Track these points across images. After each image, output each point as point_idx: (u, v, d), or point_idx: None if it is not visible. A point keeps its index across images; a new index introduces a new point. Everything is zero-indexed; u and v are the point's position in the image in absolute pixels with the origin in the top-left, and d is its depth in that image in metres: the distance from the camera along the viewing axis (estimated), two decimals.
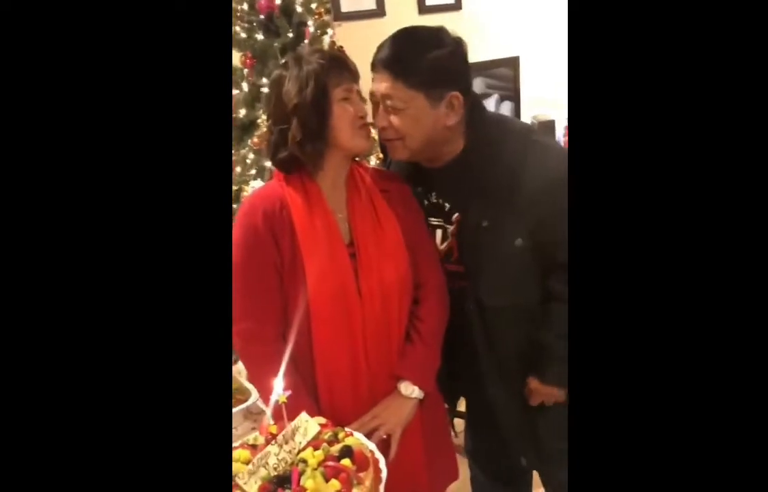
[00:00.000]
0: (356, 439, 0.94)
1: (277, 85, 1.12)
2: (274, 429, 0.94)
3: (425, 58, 1.10)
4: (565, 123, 3.04)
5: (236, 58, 1.84)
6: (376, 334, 1.13)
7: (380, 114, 1.14)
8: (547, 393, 1.24)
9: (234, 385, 1.33)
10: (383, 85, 1.11)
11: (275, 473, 0.86)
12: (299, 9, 1.80)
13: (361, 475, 0.86)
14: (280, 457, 0.88)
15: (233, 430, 1.23)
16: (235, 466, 0.88)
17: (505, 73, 3.04)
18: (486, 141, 1.17)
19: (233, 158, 1.76)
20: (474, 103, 1.20)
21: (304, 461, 0.87)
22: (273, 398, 0.91)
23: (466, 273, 1.23)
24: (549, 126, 2.91)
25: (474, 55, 1.18)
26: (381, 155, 2.09)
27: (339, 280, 1.09)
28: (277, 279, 1.09)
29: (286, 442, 0.89)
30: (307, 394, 1.10)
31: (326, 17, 1.93)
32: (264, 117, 1.63)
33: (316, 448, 0.90)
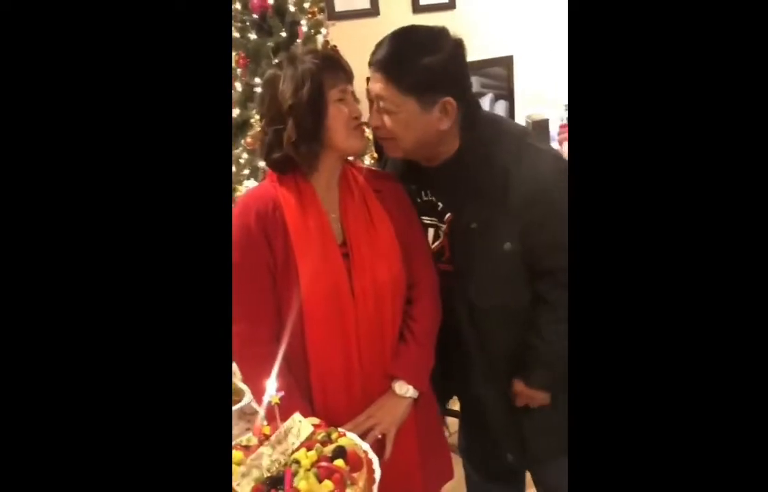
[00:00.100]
0: (350, 439, 0.94)
1: (271, 85, 1.11)
2: (267, 430, 0.94)
3: (419, 63, 1.09)
4: (559, 121, 3.05)
5: None
6: (370, 334, 1.13)
7: (374, 113, 1.15)
8: (531, 396, 1.25)
9: None
10: (377, 86, 1.11)
11: (268, 474, 0.86)
12: (292, 8, 1.80)
13: (355, 475, 0.86)
14: (273, 458, 0.87)
15: None
16: None
17: (499, 72, 3.04)
18: (480, 142, 1.17)
19: None
20: (470, 104, 1.20)
21: (298, 462, 0.87)
22: (265, 399, 0.90)
23: (456, 272, 1.23)
24: (543, 125, 2.92)
25: (468, 54, 1.18)
26: (375, 155, 2.09)
27: (332, 281, 1.09)
28: (271, 280, 1.09)
29: (279, 443, 0.89)
30: (301, 395, 1.10)
31: (320, 16, 1.93)
32: (257, 117, 1.63)
33: (309, 449, 0.89)
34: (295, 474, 0.85)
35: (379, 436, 1.12)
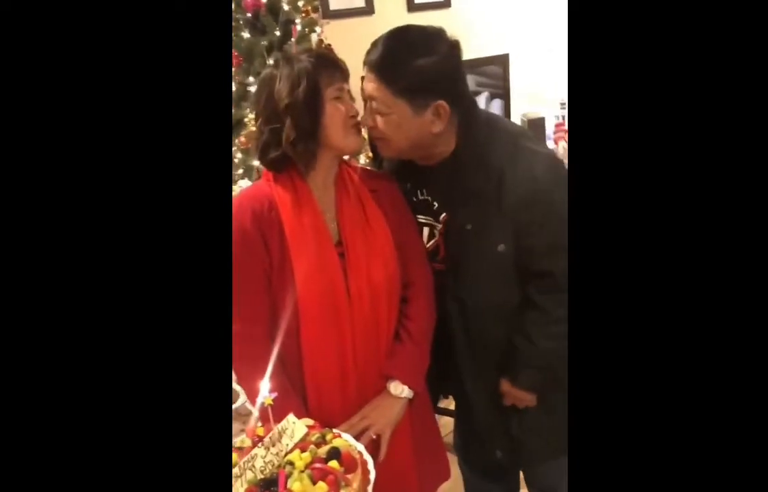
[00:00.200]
0: (344, 440, 0.93)
1: (268, 84, 1.11)
2: (261, 431, 0.93)
3: (412, 66, 1.08)
4: (555, 120, 3.05)
5: None
6: (365, 334, 1.12)
7: (367, 113, 1.14)
8: (517, 396, 1.26)
9: None
10: (370, 86, 1.11)
11: (262, 476, 0.85)
12: (286, 6, 1.79)
13: (349, 476, 0.85)
14: (266, 460, 0.87)
15: None
16: None
17: (495, 71, 3.04)
18: (476, 143, 1.17)
19: None
20: (466, 105, 1.19)
21: (291, 463, 0.86)
22: (259, 400, 0.90)
23: (449, 271, 1.23)
24: (539, 123, 2.92)
25: (463, 53, 1.17)
26: (371, 154, 2.09)
27: (328, 280, 1.09)
28: (266, 280, 1.09)
29: (273, 445, 0.88)
30: (295, 395, 1.10)
31: (314, 15, 1.92)
32: (251, 116, 1.62)
33: (303, 450, 0.89)
34: (288, 476, 0.84)
35: (374, 437, 1.12)
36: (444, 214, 1.24)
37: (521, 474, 1.50)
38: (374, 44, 1.13)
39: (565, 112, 3.05)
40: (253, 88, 1.67)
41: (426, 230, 1.27)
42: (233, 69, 1.76)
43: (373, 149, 1.32)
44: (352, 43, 1.27)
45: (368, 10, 2.62)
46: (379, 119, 1.12)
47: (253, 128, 1.57)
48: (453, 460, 1.42)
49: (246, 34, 1.78)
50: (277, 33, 1.78)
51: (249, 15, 1.79)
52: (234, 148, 1.74)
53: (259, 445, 0.88)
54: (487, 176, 1.14)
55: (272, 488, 0.83)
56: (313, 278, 1.08)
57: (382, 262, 1.14)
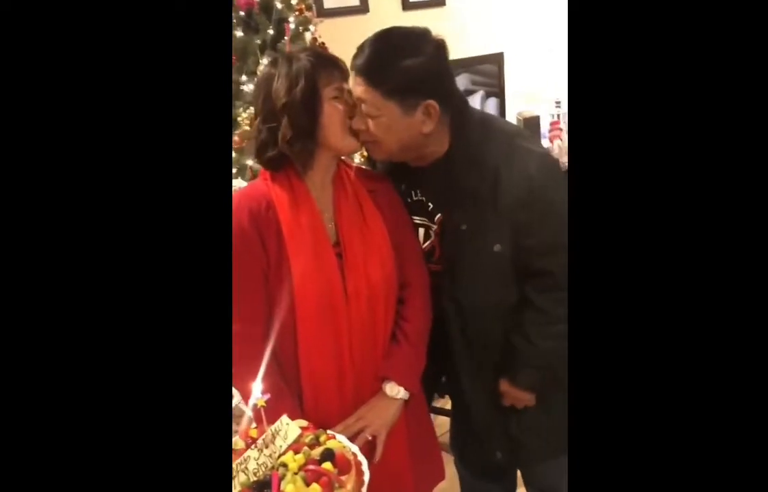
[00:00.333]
0: (338, 441, 0.93)
1: (266, 82, 1.10)
2: (254, 433, 0.93)
3: (399, 67, 1.08)
4: (550, 118, 3.05)
5: None
6: (362, 334, 1.12)
7: (357, 116, 1.14)
8: (516, 396, 1.25)
9: None
10: (359, 89, 1.11)
11: (255, 478, 0.85)
12: (279, 5, 1.78)
13: (343, 478, 0.85)
14: (260, 462, 0.86)
15: None
16: None
17: (490, 70, 3.04)
18: (470, 143, 1.17)
19: None
20: (458, 104, 1.19)
21: (285, 465, 0.86)
22: (251, 402, 0.89)
23: (445, 272, 1.23)
24: (534, 122, 2.92)
25: (458, 52, 1.17)
26: (365, 153, 2.08)
27: (325, 280, 1.08)
28: (263, 279, 1.08)
29: (267, 446, 0.87)
30: (290, 395, 1.09)
31: (308, 13, 1.91)
32: (245, 115, 1.61)
33: (296, 452, 0.88)
34: (282, 478, 0.83)
35: (370, 438, 1.11)
36: (439, 215, 1.23)
37: (519, 473, 1.50)
38: (360, 48, 1.12)
39: (560, 111, 3.05)
40: (245, 87, 1.66)
41: (421, 231, 1.27)
42: None
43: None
44: (346, 41, 1.26)
45: (363, 8, 2.61)
46: (369, 122, 1.12)
47: (246, 127, 1.57)
48: (448, 460, 1.41)
49: (239, 33, 1.77)
50: (271, 31, 1.77)
51: (242, 13, 1.78)
52: None
53: (252, 446, 0.87)
54: (481, 176, 1.14)
55: (265, 490, 0.82)
56: (310, 278, 1.07)
57: (379, 262, 1.13)
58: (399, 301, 1.19)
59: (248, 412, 0.93)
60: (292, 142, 1.07)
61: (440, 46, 1.13)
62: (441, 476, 1.32)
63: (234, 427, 1.25)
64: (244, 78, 1.67)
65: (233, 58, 1.73)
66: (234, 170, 1.69)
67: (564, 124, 3.03)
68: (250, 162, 1.58)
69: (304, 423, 0.96)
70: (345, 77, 1.13)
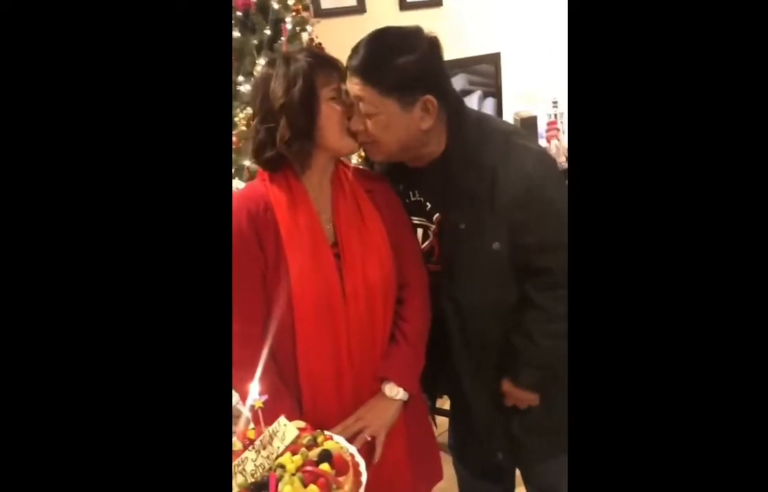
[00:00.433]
0: (336, 442, 0.93)
1: (264, 83, 1.10)
2: (252, 434, 0.92)
3: (395, 64, 1.08)
4: (547, 118, 3.05)
5: None
6: (361, 335, 1.12)
7: (355, 117, 1.13)
8: (518, 396, 1.25)
9: None
10: (356, 88, 1.11)
11: (252, 480, 0.84)
12: (276, 5, 1.78)
13: (341, 479, 0.85)
14: (257, 463, 0.86)
15: None
16: None
17: (487, 70, 3.04)
18: (466, 142, 1.17)
19: None
20: (454, 103, 1.19)
21: (282, 467, 0.85)
22: (248, 403, 0.89)
23: (444, 272, 1.23)
24: (531, 122, 2.92)
25: (455, 52, 1.17)
26: (363, 153, 2.08)
27: (323, 281, 1.08)
28: (262, 281, 1.08)
29: (264, 448, 0.87)
30: (288, 396, 1.09)
31: (305, 14, 1.91)
32: (241, 115, 1.61)
33: (294, 453, 0.88)
34: (279, 479, 0.83)
35: (369, 439, 1.11)
36: (437, 215, 1.23)
37: (517, 472, 1.50)
38: (355, 50, 1.12)
39: (557, 111, 3.05)
40: (242, 88, 1.65)
41: (420, 231, 1.27)
42: None
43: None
44: (343, 42, 1.26)
45: (360, 8, 2.61)
46: (367, 122, 1.12)
47: (243, 127, 1.56)
48: (446, 460, 1.41)
49: (236, 33, 1.76)
50: (267, 32, 1.76)
51: (239, 13, 1.77)
52: None
53: (250, 448, 0.87)
54: (479, 175, 1.14)
55: None
56: (308, 278, 1.07)
57: (377, 262, 1.13)
58: (398, 301, 1.19)
59: (246, 413, 0.93)
60: (290, 143, 1.07)
61: (434, 44, 1.14)
62: (439, 476, 1.32)
63: (232, 428, 1.25)
64: (240, 78, 1.67)
65: None
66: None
67: (561, 124, 3.04)
68: (247, 162, 1.58)
69: (301, 424, 0.96)
70: (343, 78, 1.13)
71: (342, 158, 1.22)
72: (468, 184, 1.15)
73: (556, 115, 3.05)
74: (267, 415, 0.91)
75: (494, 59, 3.03)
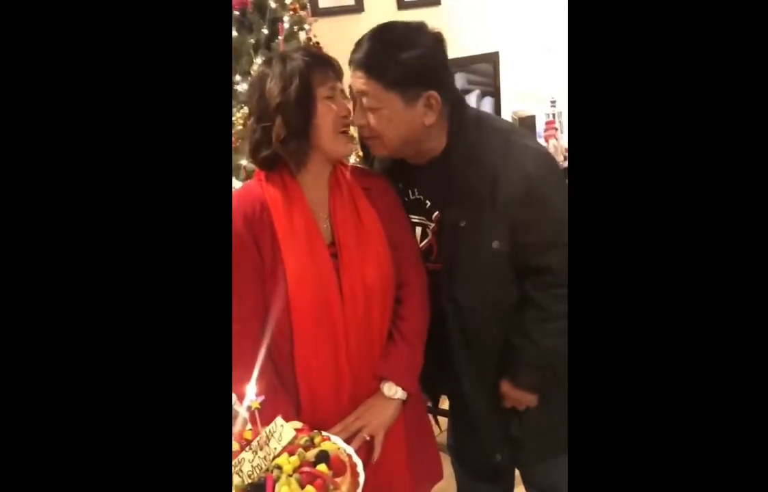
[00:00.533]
0: (333, 443, 0.92)
1: (260, 82, 1.10)
2: (249, 434, 0.92)
3: (400, 58, 1.08)
4: (546, 118, 3.05)
5: None
6: (359, 335, 1.11)
7: (358, 111, 1.13)
8: (517, 397, 1.25)
9: None
10: (359, 83, 1.10)
11: (249, 481, 0.84)
12: (273, 4, 1.77)
13: (338, 480, 0.84)
14: (254, 464, 0.85)
15: None
16: None
17: (486, 69, 3.03)
18: (466, 140, 1.16)
19: None
20: (456, 100, 1.18)
21: (279, 467, 0.85)
22: (245, 404, 0.88)
23: (443, 271, 1.22)
24: (529, 121, 2.92)
25: (453, 51, 1.17)
26: (361, 153, 2.07)
27: (320, 281, 1.08)
28: (259, 282, 1.08)
29: (261, 448, 0.86)
30: (285, 396, 1.09)
31: (302, 13, 1.90)
32: (238, 115, 1.61)
33: (291, 454, 0.87)
34: (276, 480, 0.83)
35: (368, 438, 1.11)
36: (436, 213, 1.22)
37: (517, 473, 1.49)
38: (359, 44, 1.12)
39: (556, 110, 3.05)
40: (239, 87, 1.65)
41: (419, 230, 1.26)
42: None
43: (364, 149, 1.31)
44: (341, 41, 1.26)
45: (358, 8, 2.60)
46: (370, 116, 1.11)
47: (240, 126, 1.56)
48: (446, 460, 1.41)
49: (233, 32, 1.75)
50: (265, 31, 1.76)
51: (236, 12, 1.77)
52: None
53: (247, 448, 0.86)
54: (480, 173, 1.13)
55: None
56: (304, 279, 1.07)
57: (375, 261, 1.13)
58: (396, 300, 1.18)
59: (243, 414, 0.92)
60: (286, 142, 1.07)
61: (438, 40, 1.14)
62: (439, 476, 1.31)
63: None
64: (237, 78, 1.67)
65: None
66: None
67: (559, 124, 3.04)
68: (244, 162, 1.57)
69: (298, 424, 0.96)
70: (339, 77, 1.13)
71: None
72: (468, 182, 1.15)
73: (554, 115, 3.05)
74: (264, 415, 0.90)
75: (492, 58, 3.03)
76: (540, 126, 3.04)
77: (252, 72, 1.63)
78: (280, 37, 1.75)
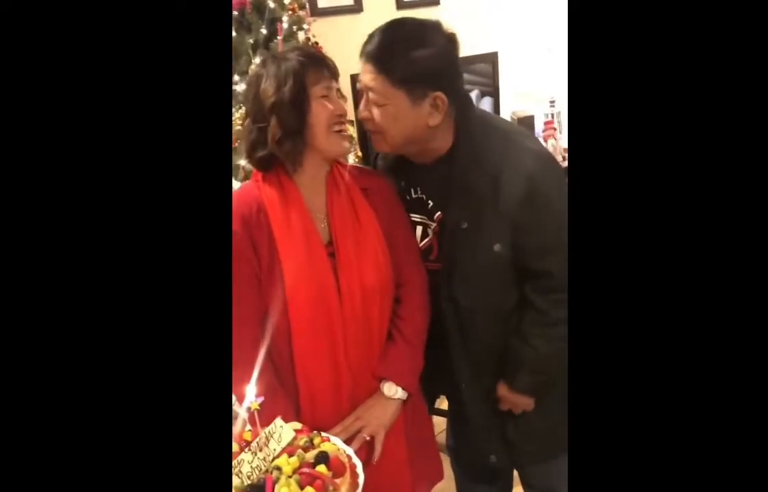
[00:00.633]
0: (333, 444, 0.92)
1: (255, 82, 1.10)
2: (248, 436, 0.92)
3: (410, 56, 1.07)
4: (544, 118, 3.05)
5: None
6: (357, 335, 1.11)
7: (363, 104, 1.13)
8: (513, 401, 1.24)
9: None
10: (367, 77, 1.10)
11: (249, 482, 0.84)
12: (272, 4, 1.77)
13: (338, 481, 0.84)
14: (254, 465, 0.85)
15: None
16: None
17: (484, 69, 3.03)
18: (473, 142, 1.16)
19: None
20: (463, 102, 1.18)
21: (279, 468, 0.85)
22: (245, 405, 0.88)
23: (443, 271, 1.22)
24: (528, 121, 2.92)
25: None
26: (360, 154, 2.07)
27: (317, 281, 1.08)
28: (257, 283, 1.08)
29: (260, 449, 0.86)
30: (284, 397, 1.08)
31: (301, 13, 1.90)
32: (237, 115, 1.60)
33: (290, 455, 0.87)
34: (276, 481, 0.83)
35: (368, 438, 1.11)
36: (438, 213, 1.22)
37: (515, 474, 1.49)
38: (371, 36, 1.11)
39: (554, 110, 3.05)
40: (238, 87, 1.65)
41: (419, 229, 1.26)
42: None
43: (363, 148, 1.31)
44: (340, 41, 1.26)
45: (357, 7, 2.60)
46: (375, 111, 1.11)
47: (238, 127, 1.56)
48: (446, 460, 1.41)
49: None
50: (263, 31, 1.76)
51: (235, 12, 1.77)
52: None
53: (246, 449, 0.86)
54: (483, 175, 1.13)
55: None
56: (302, 278, 1.06)
57: (373, 261, 1.12)
58: (396, 300, 1.18)
59: (243, 415, 0.92)
60: (281, 142, 1.07)
61: (452, 40, 1.13)
62: (440, 476, 1.31)
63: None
64: (236, 78, 1.66)
65: None
66: None
67: (558, 124, 3.04)
68: (242, 162, 1.57)
69: (298, 425, 0.96)
70: (334, 76, 1.12)
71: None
72: (472, 184, 1.14)
73: (553, 115, 3.05)
74: (263, 416, 0.90)
75: (491, 58, 3.03)
76: (539, 126, 3.04)
77: (251, 72, 1.63)
78: (278, 37, 1.75)
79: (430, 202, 1.23)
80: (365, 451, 1.10)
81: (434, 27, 1.12)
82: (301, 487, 0.81)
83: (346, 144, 1.15)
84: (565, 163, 2.55)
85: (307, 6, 2.08)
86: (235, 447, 0.92)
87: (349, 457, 0.92)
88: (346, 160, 1.37)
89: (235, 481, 0.83)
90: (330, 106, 1.09)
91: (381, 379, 1.15)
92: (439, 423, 1.88)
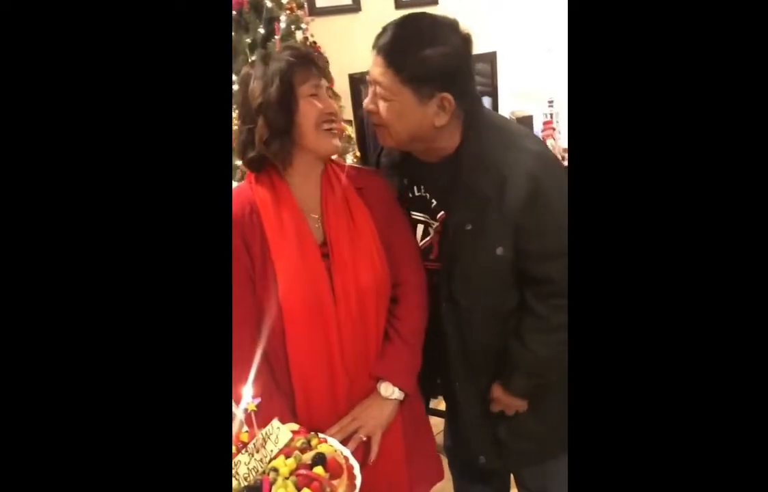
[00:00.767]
0: (330, 445, 0.92)
1: (244, 83, 1.10)
2: (245, 437, 0.91)
3: (421, 55, 1.06)
4: (543, 118, 3.05)
5: None
6: (353, 335, 1.10)
7: (371, 96, 1.12)
8: (508, 402, 1.24)
9: None
10: (376, 71, 1.09)
11: (246, 483, 0.83)
12: (269, 3, 1.77)
13: (335, 482, 0.84)
14: (250, 467, 0.85)
15: None
16: None
17: (483, 69, 3.04)
18: (480, 144, 1.15)
19: None
20: (473, 102, 1.17)
21: (276, 470, 0.85)
22: (241, 406, 0.88)
23: (443, 270, 1.21)
24: (527, 121, 2.92)
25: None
26: (358, 153, 2.06)
27: (311, 281, 1.07)
28: (251, 285, 1.07)
29: (257, 451, 0.86)
30: (281, 397, 1.08)
31: (299, 12, 1.90)
32: (234, 115, 1.60)
33: (287, 456, 0.87)
34: (273, 482, 0.83)
35: (365, 439, 1.10)
36: (441, 213, 1.21)
37: (512, 476, 1.49)
38: (385, 29, 1.10)
39: (553, 110, 3.05)
40: (235, 87, 1.64)
41: (420, 228, 1.25)
42: None
43: (362, 148, 1.30)
44: (338, 41, 1.25)
45: (355, 7, 2.60)
46: (381, 105, 1.10)
47: (236, 127, 1.55)
48: (446, 461, 1.40)
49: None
50: (261, 30, 1.75)
51: (233, 12, 1.76)
52: None
53: (243, 451, 0.86)
54: (489, 177, 1.12)
55: None
56: (295, 279, 1.06)
57: (368, 261, 1.12)
58: (393, 299, 1.18)
59: (239, 416, 0.92)
60: (268, 142, 1.07)
61: (466, 41, 1.12)
62: (440, 476, 1.30)
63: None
64: (234, 78, 1.66)
65: None
66: None
67: (557, 124, 3.04)
68: (239, 162, 1.56)
69: (295, 426, 0.95)
70: (323, 74, 1.12)
71: (335, 157, 1.21)
72: (479, 186, 1.13)
73: (551, 115, 3.06)
74: (260, 417, 0.90)
75: (490, 58, 3.03)
76: (537, 126, 3.04)
77: (241, 73, 1.63)
78: (276, 37, 1.75)
79: (433, 201, 1.22)
80: (362, 452, 1.10)
81: (450, 25, 1.11)
82: (298, 489, 0.81)
83: (336, 142, 1.14)
84: (565, 163, 2.55)
85: (306, 5, 2.08)
86: (232, 448, 0.91)
87: (347, 459, 0.92)
88: (344, 159, 1.36)
89: (233, 482, 0.83)
90: (319, 105, 1.08)
91: (378, 379, 1.14)
92: (438, 424, 1.88)
